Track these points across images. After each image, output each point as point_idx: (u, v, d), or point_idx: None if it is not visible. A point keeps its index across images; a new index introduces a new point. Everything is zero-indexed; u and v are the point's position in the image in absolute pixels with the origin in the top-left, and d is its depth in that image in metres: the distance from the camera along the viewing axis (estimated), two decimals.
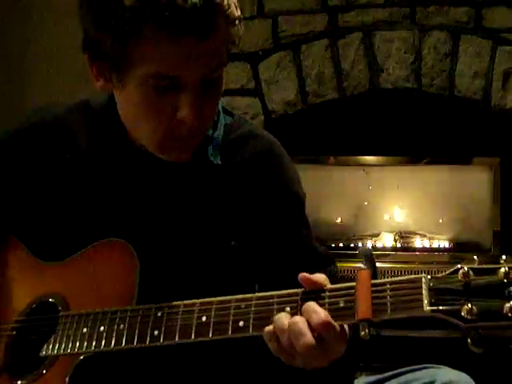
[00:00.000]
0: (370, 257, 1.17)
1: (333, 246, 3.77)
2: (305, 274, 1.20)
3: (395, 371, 1.44)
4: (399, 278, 1.12)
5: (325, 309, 1.16)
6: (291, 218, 1.51)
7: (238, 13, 1.35)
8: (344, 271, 3.63)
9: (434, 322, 1.08)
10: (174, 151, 1.40)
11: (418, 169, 3.75)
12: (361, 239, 3.79)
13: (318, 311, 1.15)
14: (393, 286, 1.12)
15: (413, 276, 1.10)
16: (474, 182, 3.71)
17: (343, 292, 1.17)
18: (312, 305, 1.16)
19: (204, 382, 1.41)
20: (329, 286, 1.20)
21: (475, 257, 1.06)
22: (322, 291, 1.19)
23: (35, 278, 1.49)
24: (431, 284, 1.08)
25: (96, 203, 1.47)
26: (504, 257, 1.04)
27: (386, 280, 1.13)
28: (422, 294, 1.08)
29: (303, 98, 3.62)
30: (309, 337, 1.14)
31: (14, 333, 1.45)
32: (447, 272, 1.07)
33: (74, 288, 1.43)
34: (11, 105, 3.68)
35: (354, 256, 3.70)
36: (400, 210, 3.81)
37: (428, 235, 3.74)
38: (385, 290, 1.12)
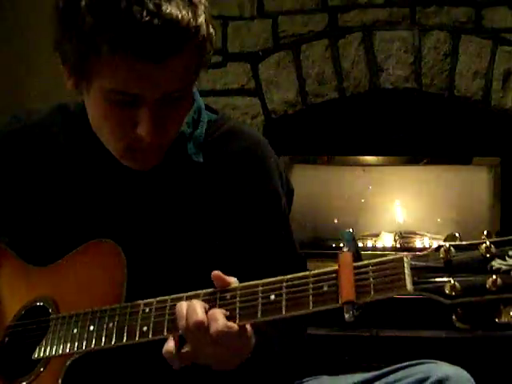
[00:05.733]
0: (351, 239, 1.17)
1: (333, 245, 3.77)
2: (217, 272, 1.25)
3: (392, 367, 1.43)
4: (381, 259, 1.12)
5: (309, 294, 1.17)
6: (268, 216, 1.50)
7: (209, 31, 1.33)
8: None
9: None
10: (136, 161, 1.40)
11: (417, 169, 3.75)
12: (361, 239, 3.77)
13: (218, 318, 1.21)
14: (375, 267, 1.11)
15: (395, 256, 1.10)
16: (474, 181, 3.71)
17: (326, 276, 1.17)
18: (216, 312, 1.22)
19: (196, 380, 1.41)
20: (312, 271, 1.20)
21: (456, 233, 1.06)
22: (306, 277, 1.19)
23: (25, 283, 1.50)
24: (413, 263, 1.08)
25: (79, 205, 1.48)
26: (485, 232, 1.04)
27: (368, 262, 1.13)
28: (404, 273, 1.08)
29: (303, 98, 3.62)
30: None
31: (7, 339, 1.45)
32: (429, 250, 1.07)
33: (64, 290, 1.43)
34: (10, 105, 3.69)
35: None
36: (400, 210, 3.81)
37: (428, 235, 3.74)
38: (367, 272, 1.12)
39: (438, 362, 1.38)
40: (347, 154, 3.74)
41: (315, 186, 3.71)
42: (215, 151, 1.49)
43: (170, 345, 1.24)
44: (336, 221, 3.84)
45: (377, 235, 3.78)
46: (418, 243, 3.74)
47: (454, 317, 1.04)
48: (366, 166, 3.78)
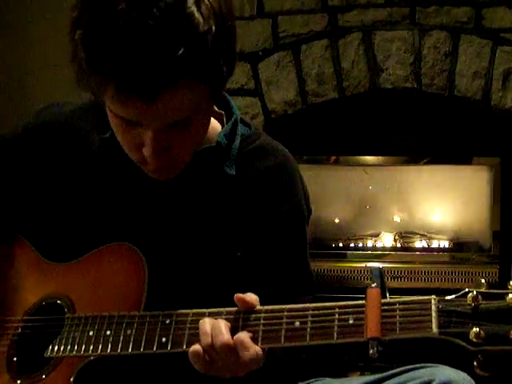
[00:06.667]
0: (380, 275, 1.18)
1: (333, 245, 3.78)
2: (240, 296, 1.27)
3: (394, 370, 1.44)
4: (409, 298, 1.13)
5: (335, 325, 1.18)
6: (291, 234, 1.52)
7: (216, 59, 1.26)
8: (344, 271, 3.64)
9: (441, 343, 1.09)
10: (152, 173, 1.40)
11: (417, 169, 3.75)
12: (361, 239, 3.78)
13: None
14: (402, 306, 1.13)
15: (422, 297, 1.11)
16: (474, 181, 3.71)
17: (353, 309, 1.19)
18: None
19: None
20: (338, 302, 1.21)
21: (483, 280, 1.07)
22: (332, 307, 1.20)
23: (41, 278, 1.50)
24: (440, 306, 1.09)
25: (106, 205, 1.47)
26: None
27: (396, 300, 1.14)
28: (431, 315, 1.09)
29: (303, 98, 3.61)
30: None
31: (19, 331, 1.46)
32: (456, 295, 1.08)
33: (81, 290, 1.43)
34: (10, 104, 3.69)
35: (353, 256, 3.71)
36: (400, 209, 3.81)
37: (428, 235, 3.74)
38: (394, 310, 1.13)
39: (441, 365, 1.40)
40: (347, 154, 3.74)
41: (315, 186, 3.70)
42: (247, 165, 1.50)
43: (198, 347, 1.24)
44: (336, 221, 3.84)
45: (377, 235, 3.78)
46: (417, 243, 3.75)
47: (474, 363, 1.05)
48: (366, 166, 3.78)
